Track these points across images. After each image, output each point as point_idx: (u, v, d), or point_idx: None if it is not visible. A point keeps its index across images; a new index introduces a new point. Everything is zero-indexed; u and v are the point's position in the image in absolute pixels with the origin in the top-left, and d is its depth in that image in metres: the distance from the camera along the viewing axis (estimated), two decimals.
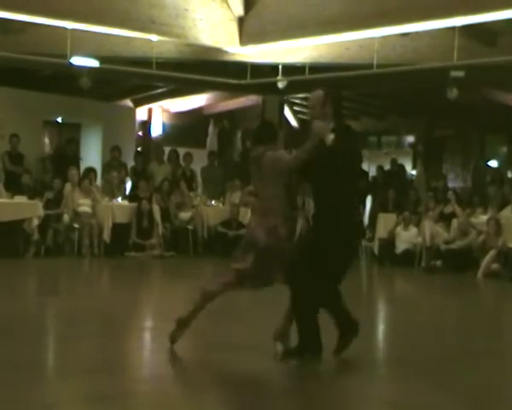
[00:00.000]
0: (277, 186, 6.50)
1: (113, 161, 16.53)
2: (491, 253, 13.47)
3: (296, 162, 6.36)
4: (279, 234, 6.47)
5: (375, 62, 13.74)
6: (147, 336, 7.89)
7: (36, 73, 16.84)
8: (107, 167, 16.36)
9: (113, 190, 15.28)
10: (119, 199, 15.14)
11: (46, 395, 5.27)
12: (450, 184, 19.45)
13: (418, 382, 6.03)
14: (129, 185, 16.58)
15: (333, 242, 6.41)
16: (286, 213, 6.65)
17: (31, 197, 14.01)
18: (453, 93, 15.26)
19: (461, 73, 14.22)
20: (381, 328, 9.00)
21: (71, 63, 14.37)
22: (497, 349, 7.43)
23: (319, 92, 6.66)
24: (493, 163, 22.86)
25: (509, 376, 6.48)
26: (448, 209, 14.89)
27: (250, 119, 21.52)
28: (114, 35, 13.55)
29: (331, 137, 6.33)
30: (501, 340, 8.16)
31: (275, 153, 6.52)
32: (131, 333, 7.80)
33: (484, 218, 14.35)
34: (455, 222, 14.39)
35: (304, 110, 22.94)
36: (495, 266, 13.40)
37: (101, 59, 14.96)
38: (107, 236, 14.29)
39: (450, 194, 15.40)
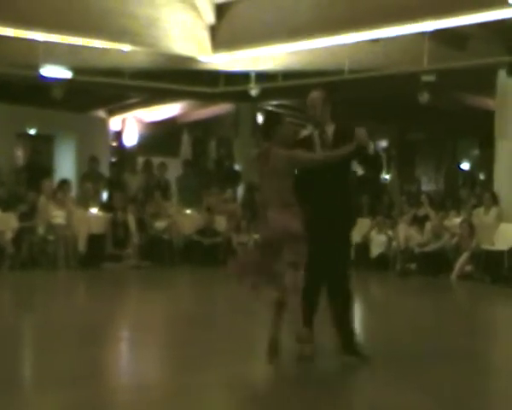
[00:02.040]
0: (288, 180, 6.59)
1: (90, 172, 16.48)
2: (465, 255, 13.57)
3: (327, 160, 6.52)
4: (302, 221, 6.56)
5: (346, 68, 13.83)
6: (124, 346, 7.86)
7: (8, 85, 16.76)
8: (84, 178, 16.28)
9: (87, 200, 15.23)
10: (94, 210, 15.10)
11: (23, 407, 5.25)
12: (424, 188, 19.58)
13: (397, 382, 6.07)
14: (105, 196, 16.53)
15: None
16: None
17: (4, 210, 13.94)
18: (424, 97, 15.37)
19: (431, 78, 14.34)
20: (358, 330, 9.02)
21: (42, 75, 14.34)
22: (472, 349, 7.48)
23: (319, 93, 6.79)
24: (465, 166, 23.07)
25: (484, 375, 6.53)
26: (421, 212, 14.97)
27: (224, 127, 21.58)
28: (87, 46, 13.53)
29: (371, 144, 6.52)
30: (476, 340, 8.22)
31: (287, 150, 6.60)
32: (109, 344, 7.77)
33: (457, 220, 14.46)
34: (428, 225, 14.48)
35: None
36: (468, 267, 13.50)
37: (74, 70, 14.94)
38: (82, 247, 14.24)
39: (423, 197, 15.49)
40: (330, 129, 6.86)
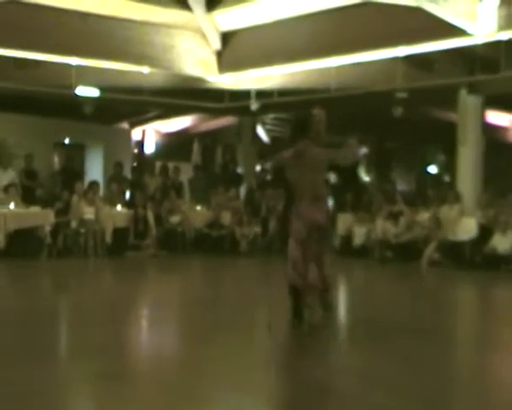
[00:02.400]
0: (323, 175, 6.63)
1: (116, 175, 16.49)
2: (433, 244, 13.57)
3: (353, 157, 6.69)
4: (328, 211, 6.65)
5: (333, 87, 13.83)
6: (144, 322, 7.89)
7: (47, 101, 16.77)
8: (110, 180, 16.29)
9: (113, 199, 15.24)
10: (119, 207, 15.11)
11: (59, 373, 5.28)
12: (398, 188, 19.57)
13: (370, 349, 6.10)
14: (128, 195, 16.53)
15: None
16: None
17: (43, 207, 13.94)
18: (398, 111, 15.36)
19: (404, 95, 14.32)
20: (341, 308, 9.05)
21: (76, 93, 14.37)
22: (437, 324, 7.51)
23: (322, 111, 6.87)
24: (433, 169, 23.05)
25: (446, 346, 6.54)
26: (396, 209, 14.94)
27: (228, 136, 21.56)
28: (112, 69, 13.57)
29: (363, 150, 6.65)
30: (441, 317, 8.24)
31: (321, 148, 6.62)
32: (131, 320, 7.80)
33: (426, 215, 14.45)
34: (402, 219, 14.46)
35: (273, 128, 23.01)
36: (436, 255, 13.51)
37: (102, 89, 14.94)
38: (108, 238, 14.26)
39: (397, 196, 15.48)
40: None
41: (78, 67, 13.30)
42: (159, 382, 5.12)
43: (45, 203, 14.20)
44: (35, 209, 13.73)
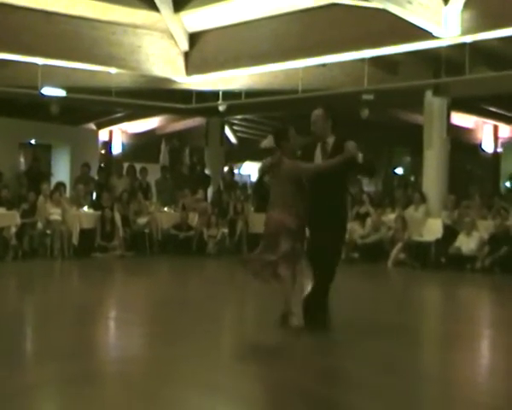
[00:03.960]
0: (293, 186, 6.63)
1: (83, 176, 16.37)
2: (399, 245, 13.68)
3: (319, 170, 6.56)
4: (301, 218, 6.62)
5: (299, 88, 13.88)
6: (112, 324, 7.85)
7: (12, 102, 16.61)
8: (77, 180, 16.15)
9: (80, 200, 15.12)
10: (86, 208, 15.00)
11: (26, 377, 5.23)
12: (365, 189, 19.69)
13: (341, 352, 6.14)
14: (94, 196, 16.41)
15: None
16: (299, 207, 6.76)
17: (9, 208, 13.77)
18: (365, 113, 15.49)
19: (370, 97, 14.44)
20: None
21: (42, 93, 14.24)
22: (403, 324, 7.58)
23: (320, 111, 6.82)
24: (399, 171, 23.27)
25: (411, 345, 6.61)
26: (363, 210, 15.04)
27: (196, 137, 21.54)
28: (79, 69, 13.48)
29: (360, 155, 6.56)
30: (407, 316, 8.32)
31: (292, 161, 6.73)
32: (98, 322, 7.76)
33: (392, 216, 14.55)
34: (369, 220, 14.56)
35: (241, 129, 23.05)
36: (402, 256, 13.62)
37: (68, 89, 14.83)
38: (75, 240, 14.14)
39: (364, 197, 15.55)
40: (331, 141, 6.87)
41: (45, 67, 13.17)
42: (126, 383, 5.11)
43: (11, 204, 14.03)
44: (0, 211, 13.56)
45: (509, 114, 18.04)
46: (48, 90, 14.42)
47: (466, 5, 10.13)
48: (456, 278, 12.43)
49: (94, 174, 16.98)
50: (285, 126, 7.12)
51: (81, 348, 6.15)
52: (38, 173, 16.25)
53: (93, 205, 15.29)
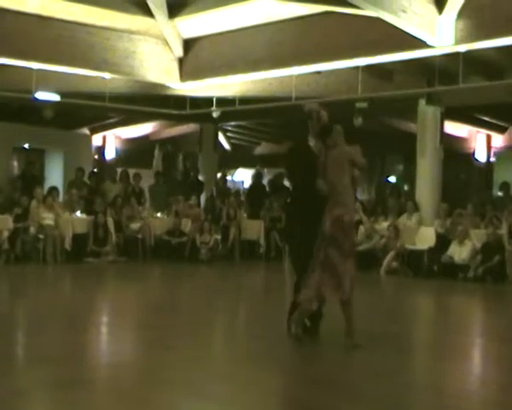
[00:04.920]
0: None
1: (77, 180, 16.35)
2: (391, 253, 13.69)
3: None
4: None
5: (293, 95, 13.90)
6: (104, 329, 7.83)
7: (6, 106, 16.58)
8: (71, 185, 16.11)
9: (73, 205, 15.09)
10: (79, 213, 14.98)
11: (16, 382, 5.20)
12: (358, 197, 19.71)
13: (333, 360, 6.14)
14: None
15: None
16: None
17: (1, 213, 13.76)
18: (359, 121, 15.46)
19: (364, 105, 14.44)
20: None
21: (36, 98, 14.23)
22: (395, 333, 7.57)
23: (326, 112, 6.83)
24: (392, 179, 23.28)
25: (402, 353, 6.61)
26: (356, 218, 15.03)
27: (190, 144, 21.53)
28: (73, 74, 13.47)
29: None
30: (399, 325, 8.32)
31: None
32: (90, 327, 7.72)
33: (385, 224, 14.56)
34: (362, 228, 14.56)
35: (235, 135, 23.05)
36: (394, 264, 13.63)
37: (62, 94, 14.82)
38: (68, 245, 14.11)
39: (357, 205, 15.53)
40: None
41: (39, 72, 13.16)
42: (117, 389, 5.09)
43: (3, 209, 14.01)
44: None
45: (502, 124, 18.09)
46: (42, 95, 14.40)
47: (460, 15, 10.17)
48: (449, 287, 12.45)
49: (86, 179, 16.94)
50: (331, 123, 7.00)
51: (72, 353, 6.13)
52: (32, 178, 16.21)
53: (86, 210, 15.27)
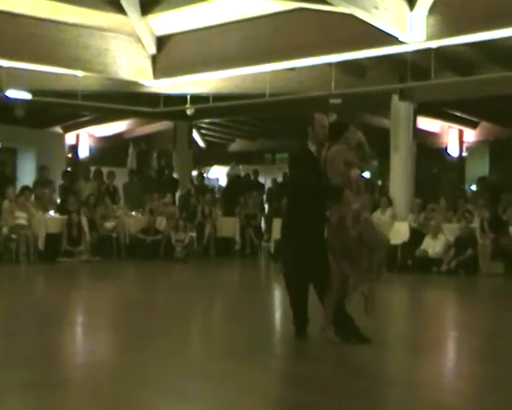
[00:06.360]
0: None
1: (41, 179, 16.22)
2: None
3: None
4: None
5: (267, 92, 13.92)
6: (78, 329, 7.78)
7: None
8: (37, 185, 16.00)
9: (45, 204, 14.97)
10: (52, 212, 14.87)
11: None
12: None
13: (309, 356, 6.16)
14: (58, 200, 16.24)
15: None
16: None
17: None
18: (332, 117, 15.49)
19: (338, 101, 14.51)
20: (276, 309, 9.10)
21: (6, 96, 14.09)
22: (370, 328, 7.57)
23: (334, 115, 6.72)
24: (366, 174, 23.35)
25: (379, 348, 6.63)
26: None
27: (164, 141, 21.47)
28: (45, 71, 13.35)
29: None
30: (373, 320, 8.33)
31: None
32: (65, 327, 7.66)
33: None
34: None
35: (209, 133, 23.01)
36: None
37: (34, 92, 14.69)
38: (41, 244, 14.01)
39: None
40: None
41: (9, 70, 13.03)
42: (92, 389, 5.06)
43: None
44: None
45: (474, 119, 18.27)
46: (13, 93, 14.28)
47: (431, 11, 10.25)
48: (423, 281, 12.55)
49: (59, 178, 16.83)
50: (345, 122, 6.91)
51: (46, 353, 6.08)
52: (3, 177, 16.05)
53: (59, 209, 15.16)
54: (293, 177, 6.97)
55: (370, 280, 6.52)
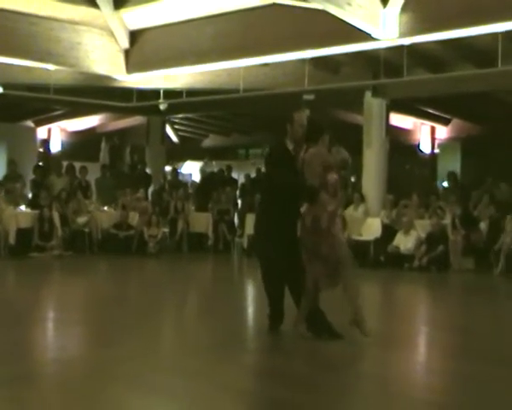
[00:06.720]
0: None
1: (11, 174, 16.05)
2: None
3: None
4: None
5: (241, 87, 13.91)
6: (50, 325, 7.72)
7: None
8: (7, 179, 15.82)
9: (16, 199, 14.82)
10: (23, 207, 14.73)
11: None
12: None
13: (283, 352, 6.17)
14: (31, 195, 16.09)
15: None
16: None
17: None
18: (306, 113, 15.54)
19: (311, 97, 14.54)
20: (249, 305, 9.11)
21: None
22: (342, 323, 7.60)
23: (305, 114, 6.70)
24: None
25: (351, 343, 6.67)
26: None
27: (137, 136, 21.36)
28: (16, 65, 13.21)
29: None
30: (346, 316, 8.37)
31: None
32: (36, 323, 7.58)
33: None
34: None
35: (182, 128, 22.94)
36: None
37: (5, 85, 14.53)
38: (12, 239, 13.87)
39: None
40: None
41: None
42: (64, 385, 5.02)
43: None
44: None
45: (446, 116, 18.42)
46: None
47: (404, 8, 10.31)
48: (395, 277, 12.64)
49: (30, 172, 16.67)
50: (321, 123, 6.88)
51: (16, 349, 6.02)
52: None
53: (30, 204, 15.01)
54: (269, 173, 6.96)
55: (342, 278, 6.57)
